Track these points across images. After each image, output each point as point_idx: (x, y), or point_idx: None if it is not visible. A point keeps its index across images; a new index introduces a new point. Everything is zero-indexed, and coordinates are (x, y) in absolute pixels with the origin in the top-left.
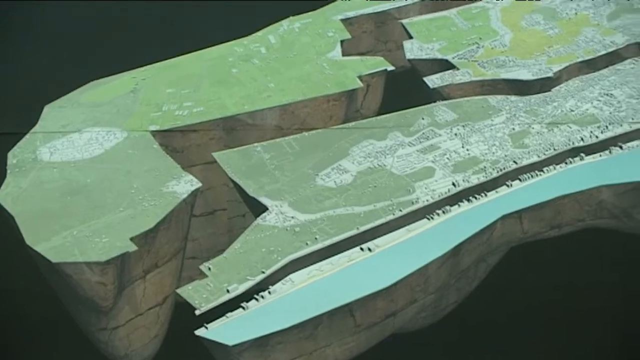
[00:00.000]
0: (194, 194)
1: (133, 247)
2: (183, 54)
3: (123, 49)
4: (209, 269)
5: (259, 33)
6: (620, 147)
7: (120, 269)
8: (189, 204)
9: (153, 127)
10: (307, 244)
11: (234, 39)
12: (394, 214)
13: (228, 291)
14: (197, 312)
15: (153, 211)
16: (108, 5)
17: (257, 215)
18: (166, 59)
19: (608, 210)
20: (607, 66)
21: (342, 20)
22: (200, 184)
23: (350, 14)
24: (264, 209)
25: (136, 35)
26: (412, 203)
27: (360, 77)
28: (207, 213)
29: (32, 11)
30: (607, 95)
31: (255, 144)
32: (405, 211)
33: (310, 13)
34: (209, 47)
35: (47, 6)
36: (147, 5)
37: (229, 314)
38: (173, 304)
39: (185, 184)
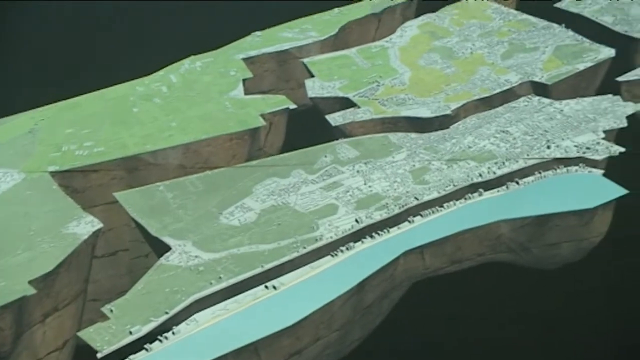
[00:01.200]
0: (95, 234)
1: (31, 291)
2: (83, 94)
3: (20, 89)
4: (111, 310)
5: (160, 72)
6: (517, 183)
7: (18, 313)
8: (90, 245)
9: (52, 168)
10: (211, 283)
11: (135, 78)
12: (298, 252)
13: (131, 333)
14: (99, 355)
15: (52, 253)
16: (4, 45)
17: (160, 255)
18: (66, 99)
19: (506, 244)
20: (502, 104)
21: (244, 59)
22: (101, 225)
23: (252, 53)
24: (167, 248)
25: (35, 75)
26: (316, 240)
27: (262, 116)
28: (109, 254)
29: None
30: (503, 132)
31: (158, 183)
32: (309, 248)
33: (211, 52)
34: (110, 86)
35: None
36: (49, 43)
37: (132, 356)
38: (74, 347)
39: (86, 225)
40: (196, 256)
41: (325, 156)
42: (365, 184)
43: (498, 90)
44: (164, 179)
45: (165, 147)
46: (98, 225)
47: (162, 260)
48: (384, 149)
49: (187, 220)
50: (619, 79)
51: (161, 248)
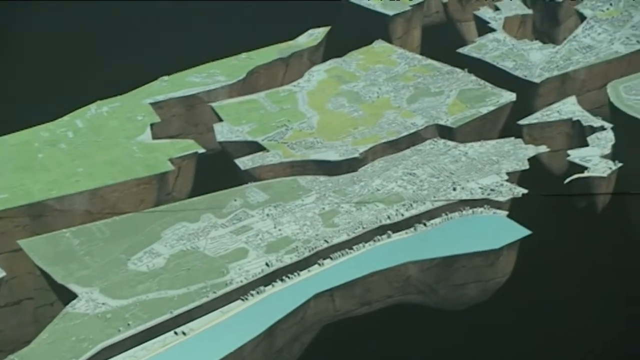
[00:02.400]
0: None
1: None
2: None
3: None
4: None
5: (66, 117)
6: (424, 224)
7: None
8: None
9: None
10: (119, 330)
11: (40, 123)
12: (208, 297)
13: None
14: None
15: None
16: None
17: (66, 303)
18: None
19: (415, 285)
20: (409, 147)
21: (152, 104)
22: (4, 273)
23: (160, 97)
24: (74, 296)
25: None
26: (226, 284)
27: (171, 160)
28: (13, 303)
29: None
30: (410, 174)
31: (64, 230)
32: (219, 293)
33: (118, 97)
34: (13, 132)
35: None
36: None
37: None
38: None
39: None
40: (103, 303)
41: (235, 200)
42: (275, 228)
43: (405, 134)
44: (70, 225)
45: (72, 192)
46: (1, 273)
47: (68, 308)
48: (293, 192)
49: (94, 267)
50: (520, 122)
51: (67, 296)
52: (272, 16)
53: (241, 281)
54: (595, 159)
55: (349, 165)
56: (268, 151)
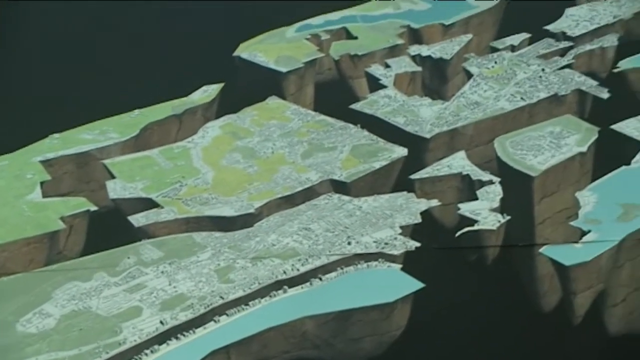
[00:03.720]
0: None
1: None
2: None
3: None
4: None
5: None
6: (320, 279)
7: None
8: None
9: None
10: None
11: None
12: (100, 357)
13: None
14: None
15: None
16: None
17: None
18: None
19: (311, 340)
20: (304, 201)
21: (42, 162)
22: None
23: (50, 155)
24: None
25: None
26: (120, 344)
27: (62, 218)
28: None
29: None
30: (305, 229)
31: None
32: (112, 353)
33: (6, 155)
34: None
35: None
36: None
37: None
38: None
39: None
40: None
41: (129, 258)
42: (169, 285)
43: (300, 189)
44: None
45: None
46: None
47: None
48: (188, 248)
49: None
50: (412, 176)
51: None
52: (165, 73)
53: (135, 340)
54: (485, 212)
55: (245, 221)
56: (162, 208)
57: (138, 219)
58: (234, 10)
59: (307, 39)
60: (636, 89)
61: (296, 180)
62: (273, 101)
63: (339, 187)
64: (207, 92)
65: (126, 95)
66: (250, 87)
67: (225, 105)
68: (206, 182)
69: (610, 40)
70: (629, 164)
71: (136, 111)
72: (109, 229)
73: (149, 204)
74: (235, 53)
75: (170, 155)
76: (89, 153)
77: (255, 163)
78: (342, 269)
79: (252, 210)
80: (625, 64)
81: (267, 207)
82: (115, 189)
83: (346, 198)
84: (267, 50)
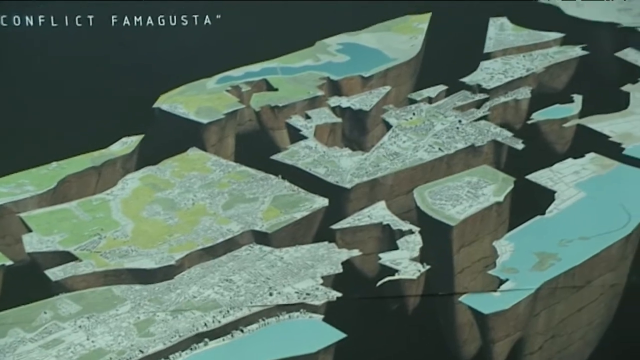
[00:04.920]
0: None
1: None
2: None
3: None
4: None
5: None
6: (242, 331)
7: None
8: None
9: None
10: None
11: None
12: None
13: None
14: None
15: None
16: None
17: None
18: None
19: None
20: (225, 253)
21: None
22: None
23: None
24: None
25: None
26: None
27: None
28: None
29: None
30: (227, 280)
31: None
32: None
33: None
34: None
35: None
36: None
37: None
38: None
39: None
40: None
41: (45, 312)
42: (88, 339)
43: (221, 240)
44: None
45: None
46: None
47: None
48: (107, 302)
49: None
50: (334, 227)
51: None
52: (84, 124)
53: None
54: (405, 261)
55: (165, 273)
56: (81, 261)
57: (55, 273)
58: (154, 61)
59: (228, 90)
60: (549, 140)
61: (217, 231)
62: (194, 152)
63: (261, 237)
64: (127, 144)
65: (44, 148)
66: (171, 138)
67: (145, 156)
68: (125, 235)
69: (524, 93)
70: (543, 213)
71: (54, 163)
72: (25, 283)
73: (66, 257)
74: (156, 104)
75: (89, 207)
76: (5, 206)
77: (176, 214)
78: (263, 320)
79: (172, 262)
80: (538, 116)
81: (188, 259)
82: (32, 243)
83: (268, 249)
84: (188, 101)
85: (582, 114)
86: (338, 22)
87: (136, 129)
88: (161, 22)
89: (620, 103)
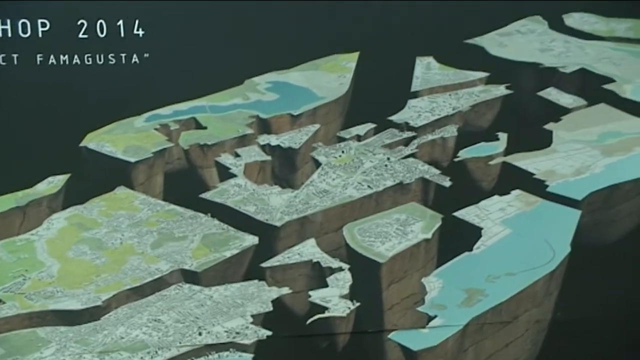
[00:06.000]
0: None
1: None
2: None
3: None
4: None
5: None
6: None
7: None
8: None
9: None
10: None
11: None
12: None
13: None
14: None
15: None
16: None
17: None
18: None
19: None
20: (153, 292)
21: None
22: None
23: None
24: None
25: None
26: None
27: None
28: None
29: None
30: (155, 320)
31: None
32: None
33: None
34: None
35: None
36: None
37: None
38: None
39: None
40: None
41: None
42: None
43: (149, 279)
44: None
45: None
46: None
47: None
48: (31, 344)
49: None
50: (263, 265)
51: None
52: (8, 164)
53: None
54: (335, 299)
55: (91, 314)
56: (4, 303)
57: None
58: (80, 100)
59: (156, 129)
60: (476, 177)
61: (145, 270)
62: (121, 191)
63: (190, 276)
64: (53, 183)
65: None
66: (98, 177)
67: (72, 196)
68: (51, 275)
69: (451, 131)
70: (471, 249)
71: None
72: None
73: None
74: (82, 143)
75: (13, 248)
76: None
77: (103, 254)
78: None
79: (99, 303)
80: (464, 154)
81: (115, 299)
82: None
83: (197, 288)
84: (115, 140)
85: (507, 151)
86: (267, 60)
87: (62, 168)
88: (88, 61)
89: (544, 141)
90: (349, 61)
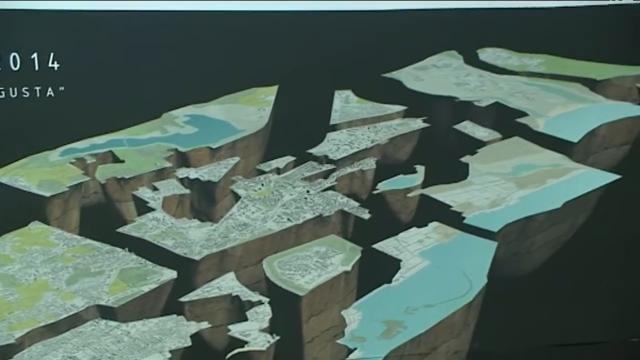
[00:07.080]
0: None
1: None
2: None
3: None
4: None
5: None
6: None
7: None
8: None
9: None
10: None
11: None
12: None
13: None
14: None
15: None
16: None
17: None
18: None
19: None
20: (69, 329)
21: None
22: None
23: None
24: None
25: None
26: None
27: None
28: None
29: None
30: (70, 358)
31: None
32: None
33: None
34: None
35: None
36: None
37: None
38: None
39: None
40: None
41: None
42: None
43: (64, 316)
44: None
45: None
46: None
47: None
48: None
49: None
50: (182, 299)
51: None
52: None
53: None
54: (255, 332)
55: (4, 353)
56: None
57: None
58: None
59: (72, 162)
60: (394, 210)
61: (61, 307)
62: (36, 226)
63: (107, 312)
64: None
65: None
66: (11, 212)
67: None
68: None
69: (369, 164)
70: (390, 281)
71: None
72: None
73: None
74: None
75: None
76: None
77: (17, 291)
78: None
79: (12, 341)
80: (383, 186)
81: (29, 337)
82: None
83: (114, 323)
84: (30, 174)
85: (425, 184)
86: (185, 94)
87: None
88: (0, 94)
89: (460, 173)
90: (268, 94)
